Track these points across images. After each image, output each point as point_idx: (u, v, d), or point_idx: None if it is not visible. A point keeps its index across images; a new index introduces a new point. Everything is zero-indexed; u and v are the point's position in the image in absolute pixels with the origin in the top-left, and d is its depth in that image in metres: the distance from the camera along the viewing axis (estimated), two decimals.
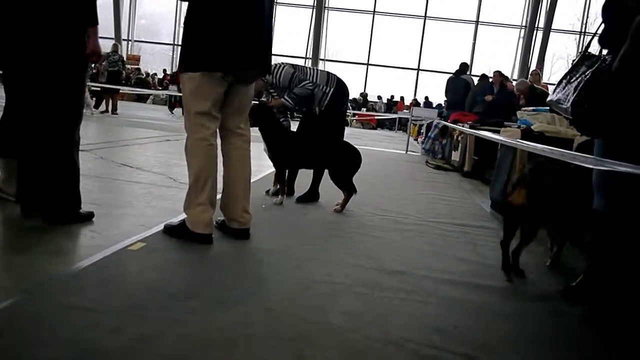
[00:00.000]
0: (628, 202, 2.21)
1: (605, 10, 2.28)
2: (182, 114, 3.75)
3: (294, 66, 4.24)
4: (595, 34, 2.33)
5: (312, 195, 4.28)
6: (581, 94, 2.20)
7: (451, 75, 11.04)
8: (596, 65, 2.21)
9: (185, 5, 2.72)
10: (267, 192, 4.27)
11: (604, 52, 2.29)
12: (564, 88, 2.33)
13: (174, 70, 26.23)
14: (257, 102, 3.44)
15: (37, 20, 2.66)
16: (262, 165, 5.18)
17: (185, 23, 2.70)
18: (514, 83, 8.70)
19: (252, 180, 3.05)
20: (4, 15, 2.69)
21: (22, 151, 2.82)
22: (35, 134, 2.76)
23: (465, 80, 10.59)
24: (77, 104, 2.87)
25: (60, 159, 2.79)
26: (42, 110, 2.73)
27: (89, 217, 2.94)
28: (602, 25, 2.30)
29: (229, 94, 2.80)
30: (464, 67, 11.01)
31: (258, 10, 2.68)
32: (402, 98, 24.65)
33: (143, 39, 28.28)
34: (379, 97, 25.43)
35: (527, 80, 8.73)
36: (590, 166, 2.14)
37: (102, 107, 12.75)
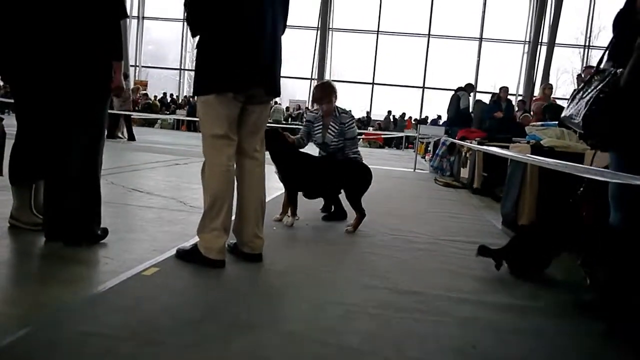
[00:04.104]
0: None
1: (616, 24, 2.28)
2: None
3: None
4: (607, 48, 2.34)
5: (339, 214, 4.40)
6: (592, 108, 2.20)
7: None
8: (607, 79, 2.21)
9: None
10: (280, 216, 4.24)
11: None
12: (577, 103, 2.33)
13: (185, 94, 26.58)
14: (269, 128, 3.48)
15: (65, 51, 2.79)
16: (271, 188, 5.18)
17: (196, 48, 2.75)
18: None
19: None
20: (28, 44, 2.80)
21: (47, 174, 2.92)
22: (61, 157, 2.87)
23: (458, 96, 10.87)
24: (100, 129, 3.02)
25: (85, 181, 2.90)
26: (68, 135, 2.87)
27: (104, 236, 3.04)
28: (613, 40, 2.31)
29: (243, 114, 2.82)
30: (467, 86, 11.28)
31: (264, 30, 2.71)
32: (410, 118, 24.66)
33: (150, 65, 28.65)
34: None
35: (540, 102, 8.76)
36: (605, 179, 2.13)
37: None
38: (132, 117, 14.00)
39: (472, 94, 11.67)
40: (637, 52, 2.11)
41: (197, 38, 2.75)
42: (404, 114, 24.82)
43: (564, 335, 2.24)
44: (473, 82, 18.17)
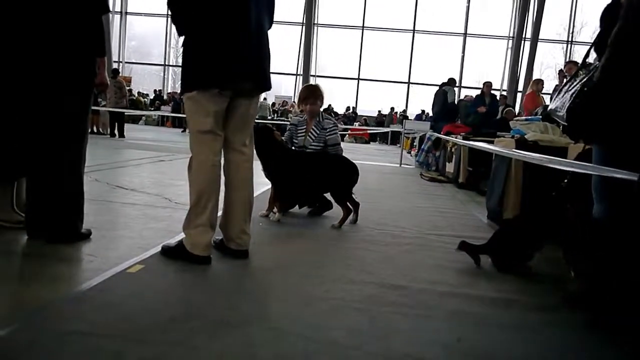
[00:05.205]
0: (627, 207, 2.21)
1: (603, 19, 2.30)
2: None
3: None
4: (593, 43, 2.36)
5: (324, 206, 4.44)
6: (576, 102, 2.22)
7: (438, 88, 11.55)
8: (591, 73, 2.23)
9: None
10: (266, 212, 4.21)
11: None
12: (562, 96, 2.35)
13: (169, 90, 26.38)
14: (258, 124, 3.48)
15: (46, 47, 2.75)
16: (258, 183, 5.15)
17: (182, 46, 2.73)
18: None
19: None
20: (8, 40, 2.75)
21: (29, 171, 2.89)
22: (44, 154, 2.83)
23: (444, 91, 10.98)
24: (83, 125, 2.98)
25: (68, 178, 2.87)
26: (51, 132, 2.83)
27: (88, 235, 3.00)
28: (599, 34, 2.33)
29: (230, 109, 2.80)
30: (450, 81, 11.37)
31: (248, 26, 2.69)
32: (395, 113, 24.73)
33: (134, 60, 28.38)
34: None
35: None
36: (587, 172, 2.15)
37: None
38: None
39: (456, 88, 11.78)
40: (609, 48, 2.12)
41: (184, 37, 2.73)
42: (404, 110, 24.83)
43: (548, 327, 2.26)
44: (457, 77, 18.33)
